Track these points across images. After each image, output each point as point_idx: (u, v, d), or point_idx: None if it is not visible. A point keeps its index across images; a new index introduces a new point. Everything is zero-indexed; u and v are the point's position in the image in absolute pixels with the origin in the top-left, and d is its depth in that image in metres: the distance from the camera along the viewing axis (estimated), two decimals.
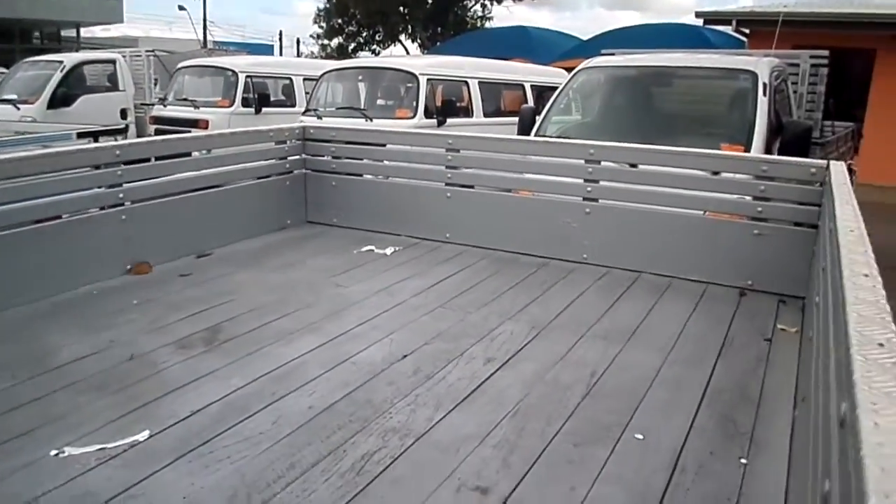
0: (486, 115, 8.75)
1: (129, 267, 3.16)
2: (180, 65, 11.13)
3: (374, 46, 32.34)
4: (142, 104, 11.95)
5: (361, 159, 4.15)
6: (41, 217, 2.89)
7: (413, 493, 1.62)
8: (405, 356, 2.37)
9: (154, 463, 1.72)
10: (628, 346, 2.51)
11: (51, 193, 2.89)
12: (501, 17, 37.25)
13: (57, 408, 1.98)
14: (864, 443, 0.72)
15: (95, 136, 7.06)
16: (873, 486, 0.64)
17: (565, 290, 3.11)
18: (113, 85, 11.85)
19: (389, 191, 4.01)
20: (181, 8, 28.04)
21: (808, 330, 2.32)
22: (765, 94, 5.49)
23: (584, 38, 20.00)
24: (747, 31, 14.84)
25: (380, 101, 8.63)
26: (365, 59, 19.42)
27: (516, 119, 6.39)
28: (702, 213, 3.31)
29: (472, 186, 3.84)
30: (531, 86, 9.74)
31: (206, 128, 9.12)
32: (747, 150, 5.06)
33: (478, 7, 32.11)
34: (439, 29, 31.00)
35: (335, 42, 32.70)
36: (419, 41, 31.42)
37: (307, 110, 8.48)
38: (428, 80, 7.98)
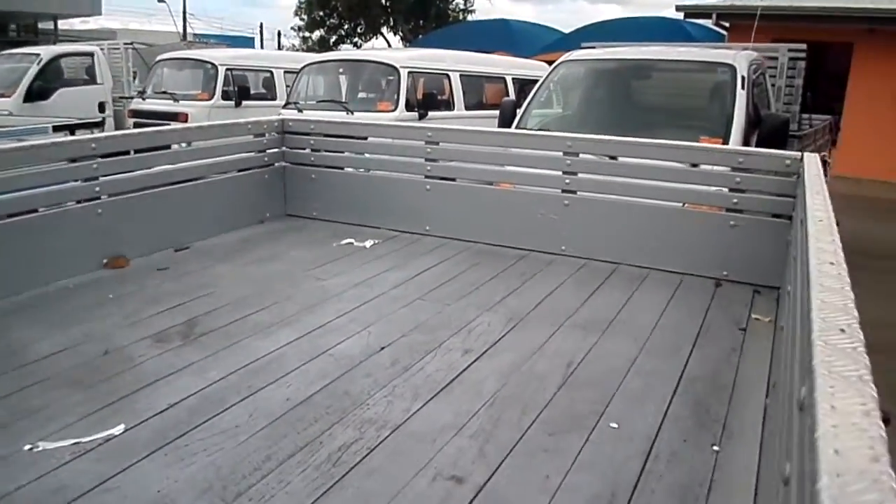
0: (467, 108, 8.75)
1: (105, 261, 3.14)
2: (159, 57, 11.03)
3: (356, 39, 32.21)
4: (120, 97, 11.82)
5: (341, 152, 4.14)
6: (16, 211, 2.86)
7: (389, 483, 1.63)
8: (383, 348, 2.38)
9: (129, 456, 1.71)
10: (605, 337, 2.53)
11: (25, 187, 2.86)
12: (483, 10, 37.29)
13: (31, 403, 1.97)
14: (819, 424, 0.74)
15: (72, 129, 6.99)
16: (825, 467, 0.65)
17: (543, 281, 3.13)
18: (91, 78, 11.72)
19: (369, 184, 4.01)
20: (160, 0, 27.75)
21: (781, 319, 2.35)
22: (743, 87, 5.54)
23: (566, 31, 20.06)
24: (727, 24, 14.96)
25: (361, 95, 8.61)
26: (346, 51, 19.33)
27: (498, 112, 6.40)
28: (679, 204, 3.34)
29: (451, 179, 3.85)
30: (513, 79, 9.76)
31: (186, 121, 9.04)
32: (725, 142, 5.10)
33: (460, 0, 32.10)
34: (421, 22, 30.94)
35: (317, 34, 32.51)
36: (401, 34, 31.33)
37: (288, 103, 8.44)
38: (409, 72, 7.97)
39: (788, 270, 2.43)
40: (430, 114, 7.91)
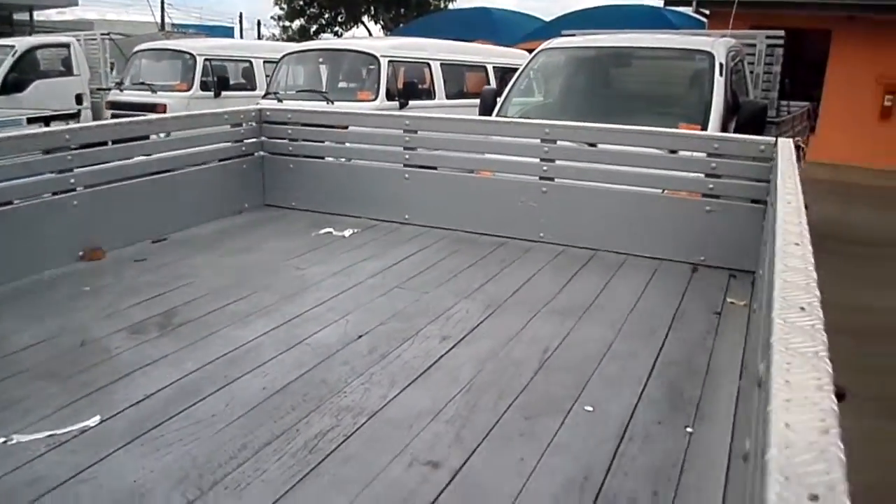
0: (448, 97, 8.73)
1: (81, 253, 3.11)
2: (137, 48, 10.89)
3: (337, 28, 31.94)
4: (98, 89, 11.67)
5: (319, 142, 4.12)
6: None
7: (365, 469, 1.63)
8: (361, 336, 2.38)
9: (105, 448, 1.71)
10: (581, 322, 2.55)
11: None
12: None
13: (5, 395, 1.95)
14: (773, 399, 0.75)
15: (46, 121, 6.90)
16: (775, 439, 0.67)
17: (522, 268, 3.14)
18: (67, 69, 11.54)
19: (348, 173, 4.00)
20: None
21: (754, 302, 2.38)
22: (721, 74, 5.57)
23: (548, 19, 20.02)
24: (707, 11, 15.01)
25: (341, 84, 8.56)
26: (326, 40, 19.19)
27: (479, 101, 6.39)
28: (657, 190, 3.36)
29: (430, 167, 3.84)
30: (494, 67, 9.74)
31: (164, 112, 8.95)
32: (704, 129, 5.13)
33: None
34: (402, 10, 30.74)
35: (297, 24, 32.19)
36: (382, 23, 31.13)
37: (267, 93, 8.38)
38: (389, 61, 7.93)
39: (762, 254, 2.46)
40: (411, 103, 7.88)
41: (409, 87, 8.15)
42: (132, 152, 3.45)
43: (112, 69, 12.28)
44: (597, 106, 5.82)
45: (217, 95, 9.78)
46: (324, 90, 8.16)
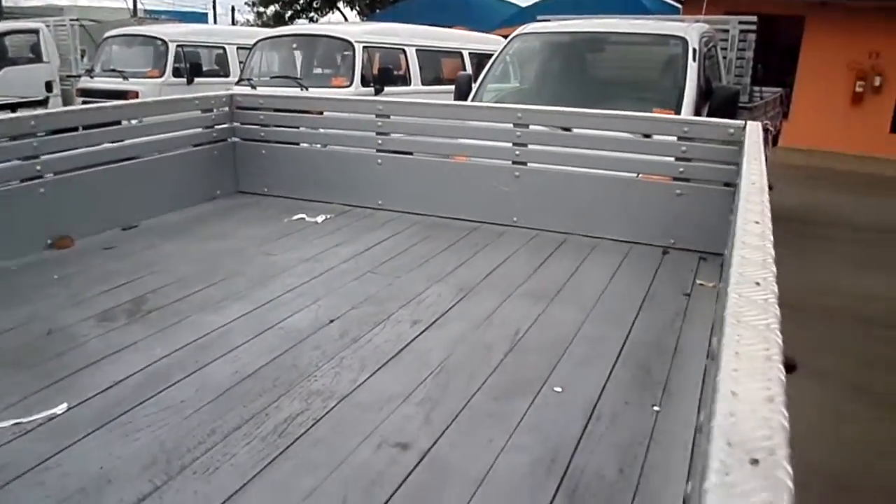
0: (424, 84, 8.71)
1: (49, 241, 3.07)
2: (108, 34, 10.73)
3: (312, 14, 31.59)
4: (68, 76, 11.48)
5: (291, 127, 4.09)
6: None
7: (334, 452, 1.64)
8: (332, 321, 2.38)
9: (71, 435, 1.70)
10: (553, 305, 2.57)
11: None
12: None
13: None
14: (722, 370, 0.76)
15: (13, 108, 6.78)
16: (722, 407, 0.68)
17: (494, 252, 3.15)
18: (36, 56, 11.35)
19: (321, 159, 3.97)
20: None
21: (722, 283, 2.41)
22: (694, 59, 5.62)
23: (524, 5, 19.96)
24: None
25: (316, 70, 8.50)
26: (300, 26, 18.97)
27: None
28: (629, 175, 3.38)
29: (403, 153, 3.83)
30: (469, 53, 9.73)
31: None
32: (677, 114, 5.18)
33: None
34: None
35: (271, 9, 31.81)
36: (357, 8, 30.84)
37: (241, 80, 8.30)
38: (364, 47, 7.88)
39: (729, 235, 2.49)
40: (387, 89, 7.85)
41: (385, 74, 8.12)
42: (101, 139, 3.40)
43: (83, 56, 12.09)
44: (571, 91, 5.84)
45: (190, 82, 9.67)
46: (298, 76, 8.10)
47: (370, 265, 2.95)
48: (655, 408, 1.87)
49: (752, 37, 7.43)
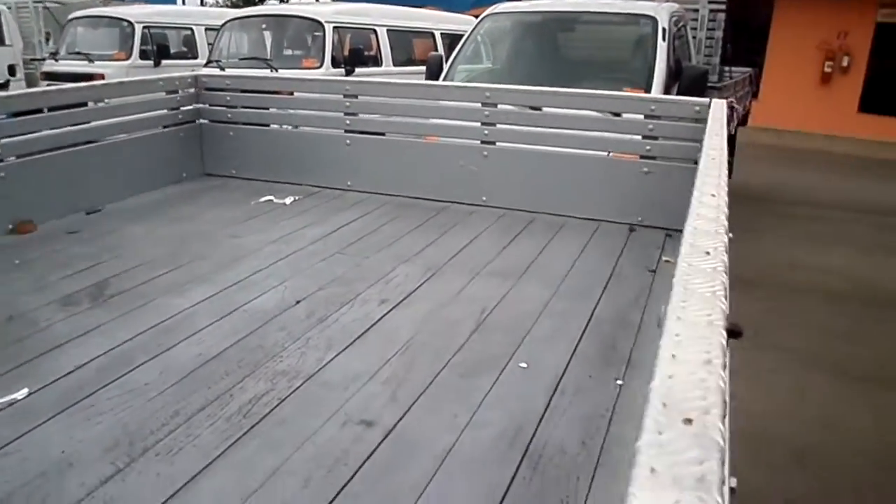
0: (395, 65, 8.64)
1: (11, 226, 3.01)
2: (72, 16, 10.48)
3: None
4: (32, 59, 11.23)
5: (259, 108, 4.04)
6: None
7: (299, 431, 1.64)
8: (299, 301, 2.37)
9: (32, 420, 1.68)
10: (520, 283, 2.58)
11: None
12: None
13: None
14: (665, 335, 0.77)
15: None
16: (660, 370, 0.69)
17: (463, 232, 3.15)
18: None
19: (289, 140, 3.94)
20: None
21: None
22: (664, 39, 5.63)
23: None
24: None
25: (286, 51, 8.40)
26: (270, 6, 18.68)
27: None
28: (596, 153, 3.40)
29: (371, 133, 3.81)
30: (442, 34, 9.66)
31: None
32: (647, 93, 5.20)
33: None
34: None
35: None
36: None
37: (209, 62, 8.17)
38: (335, 28, 7.79)
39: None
40: (358, 70, 7.78)
41: (356, 54, 8.04)
42: (65, 121, 3.33)
43: (48, 39, 11.82)
44: (542, 71, 5.83)
45: (157, 64, 9.50)
46: (268, 58, 8.00)
47: (338, 246, 2.94)
48: (619, 381, 1.90)
49: (722, 16, 7.48)
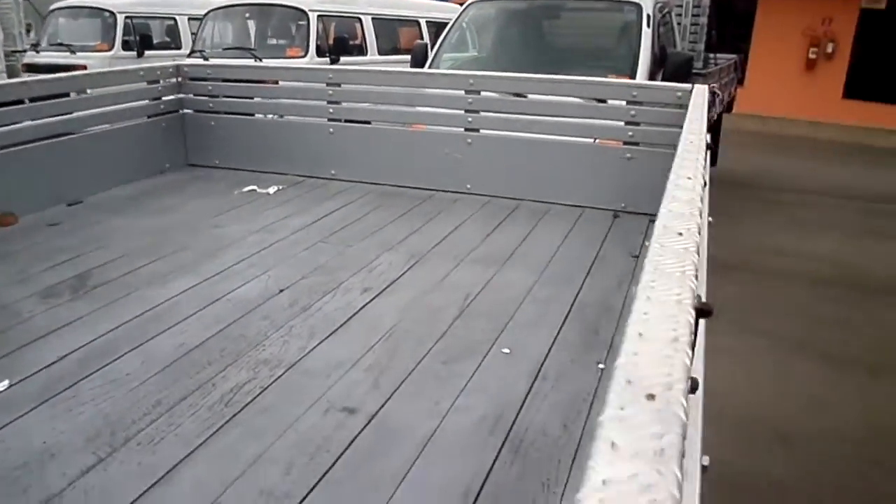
0: (381, 53, 8.60)
1: None
2: (53, 7, 10.35)
3: None
4: (13, 52, 11.05)
5: (242, 98, 4.01)
6: None
7: (281, 419, 1.64)
8: (282, 290, 2.36)
9: (13, 412, 1.67)
10: (504, 269, 2.59)
11: None
12: None
13: None
14: (633, 313, 0.78)
15: None
16: (627, 347, 0.69)
17: (447, 220, 3.15)
18: None
19: (272, 129, 3.92)
20: None
21: None
22: (649, 25, 5.63)
23: None
24: None
25: (270, 41, 8.33)
26: None
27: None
28: (580, 140, 3.40)
29: (355, 122, 3.80)
30: (427, 22, 9.62)
31: None
32: (632, 80, 5.20)
33: None
34: None
35: None
36: None
37: (193, 52, 8.10)
38: (319, 16, 7.74)
39: None
40: (343, 59, 7.74)
41: (340, 43, 7.99)
42: (44, 112, 3.30)
43: (28, 30, 11.64)
44: (527, 58, 5.82)
45: (140, 55, 9.41)
46: (252, 47, 7.94)
47: (321, 235, 2.93)
48: (600, 365, 1.91)
49: (707, 3, 7.48)
